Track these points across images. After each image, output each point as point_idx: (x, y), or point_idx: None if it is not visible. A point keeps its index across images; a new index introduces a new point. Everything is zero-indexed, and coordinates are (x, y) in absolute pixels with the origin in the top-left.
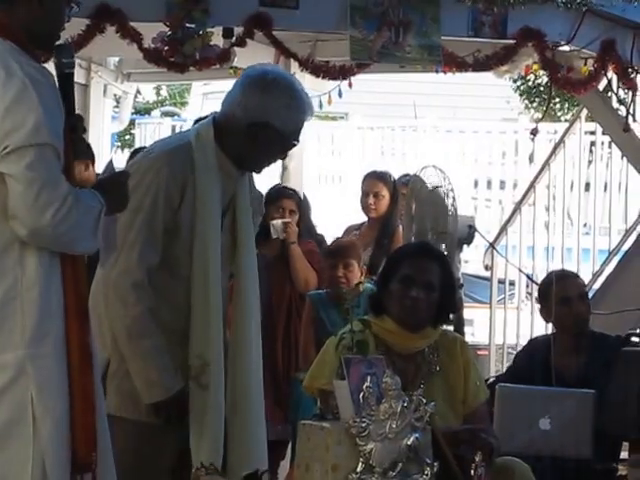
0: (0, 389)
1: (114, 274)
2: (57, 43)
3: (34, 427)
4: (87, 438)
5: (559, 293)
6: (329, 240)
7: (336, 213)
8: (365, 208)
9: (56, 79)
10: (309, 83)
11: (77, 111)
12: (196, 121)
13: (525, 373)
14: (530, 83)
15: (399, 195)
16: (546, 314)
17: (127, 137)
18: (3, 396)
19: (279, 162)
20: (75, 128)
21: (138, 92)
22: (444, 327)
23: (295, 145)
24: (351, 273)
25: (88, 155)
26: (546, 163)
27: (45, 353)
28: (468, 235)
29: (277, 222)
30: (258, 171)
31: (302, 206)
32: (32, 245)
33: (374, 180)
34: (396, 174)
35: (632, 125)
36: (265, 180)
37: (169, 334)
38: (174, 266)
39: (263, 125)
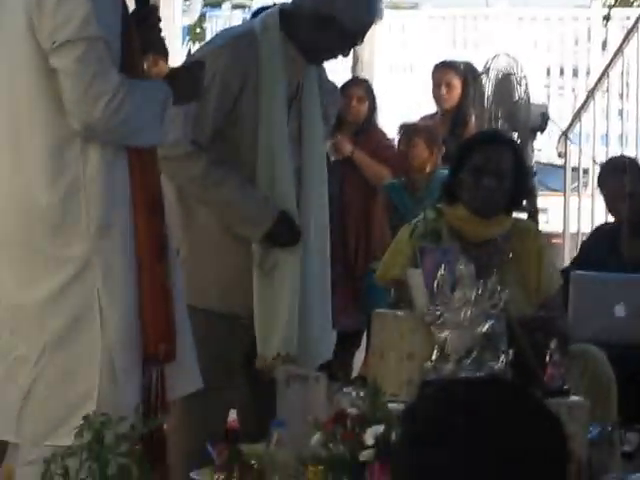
0: (66, 283)
1: (164, 152)
2: None
3: (101, 320)
4: (156, 330)
5: (617, 184)
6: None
7: (407, 103)
8: (437, 99)
9: None
10: None
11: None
12: (254, 13)
13: (593, 260)
14: None
15: (470, 84)
16: (605, 203)
17: (198, 31)
18: (69, 290)
19: (350, 54)
20: (147, 19)
21: None
22: (518, 215)
23: (357, 45)
24: (414, 149)
25: (160, 50)
26: (619, 50)
27: (111, 245)
28: (541, 123)
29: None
30: (318, 63)
31: (372, 93)
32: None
33: (445, 70)
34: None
35: None
36: (338, 71)
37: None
38: (237, 157)
39: (328, 19)
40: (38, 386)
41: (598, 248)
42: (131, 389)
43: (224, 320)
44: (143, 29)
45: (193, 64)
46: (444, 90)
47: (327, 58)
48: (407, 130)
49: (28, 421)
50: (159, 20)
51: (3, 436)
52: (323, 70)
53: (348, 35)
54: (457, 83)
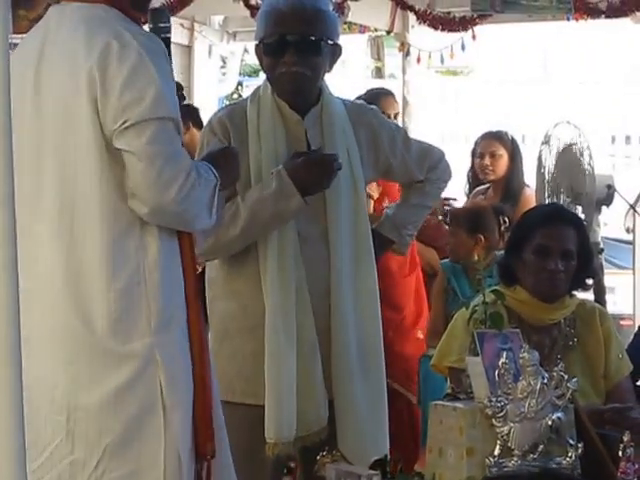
0: (130, 380)
1: None
2: (152, 7)
3: (165, 417)
4: (206, 427)
5: None
6: None
7: (461, 175)
8: (482, 170)
9: None
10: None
11: (178, 75)
12: None
13: None
14: None
15: (520, 154)
16: None
17: (235, 97)
18: (133, 387)
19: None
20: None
21: (245, 52)
22: (583, 296)
23: (290, 41)
24: (456, 239)
25: (196, 120)
26: None
27: (172, 339)
28: (607, 196)
29: None
30: (294, 95)
31: None
32: (152, 226)
33: (489, 140)
34: (527, 131)
35: None
36: None
37: (246, 299)
38: None
39: (259, 47)
40: None
41: None
42: None
43: (252, 412)
44: None
45: (229, 150)
46: (488, 160)
47: (291, 82)
48: (449, 220)
49: None
50: (184, 98)
51: None
52: (377, 115)
53: (277, 39)
54: (503, 152)
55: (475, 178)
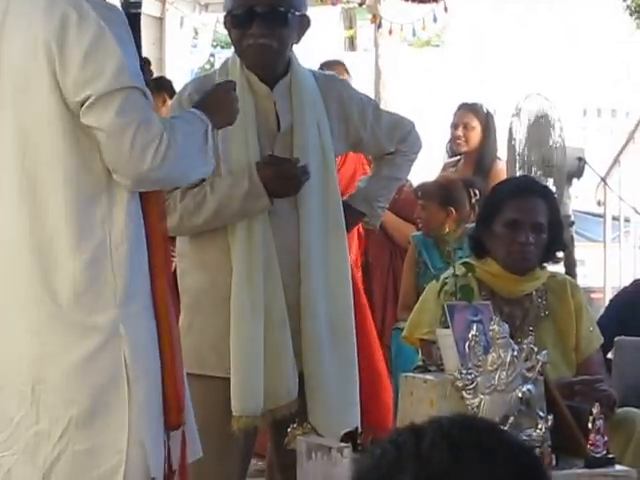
0: (93, 352)
1: None
2: None
3: (129, 390)
4: (178, 399)
5: None
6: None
7: (433, 150)
8: (454, 141)
9: None
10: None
11: (149, 47)
12: None
13: (626, 317)
14: None
15: (494, 126)
16: None
17: (207, 68)
18: (97, 360)
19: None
20: (142, 72)
21: (218, 23)
22: (554, 269)
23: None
24: (427, 213)
25: (162, 88)
26: None
27: (137, 312)
28: (578, 168)
29: None
30: (261, 63)
31: None
32: (120, 197)
33: (464, 111)
34: (498, 103)
35: None
36: None
37: (216, 272)
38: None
39: (227, 18)
40: (60, 464)
41: (633, 306)
42: (158, 461)
43: (223, 385)
44: None
45: (219, 86)
46: (461, 131)
47: (258, 54)
48: (420, 193)
49: None
50: (152, 74)
51: None
52: (347, 88)
53: (244, 11)
54: (476, 124)
55: (453, 149)
